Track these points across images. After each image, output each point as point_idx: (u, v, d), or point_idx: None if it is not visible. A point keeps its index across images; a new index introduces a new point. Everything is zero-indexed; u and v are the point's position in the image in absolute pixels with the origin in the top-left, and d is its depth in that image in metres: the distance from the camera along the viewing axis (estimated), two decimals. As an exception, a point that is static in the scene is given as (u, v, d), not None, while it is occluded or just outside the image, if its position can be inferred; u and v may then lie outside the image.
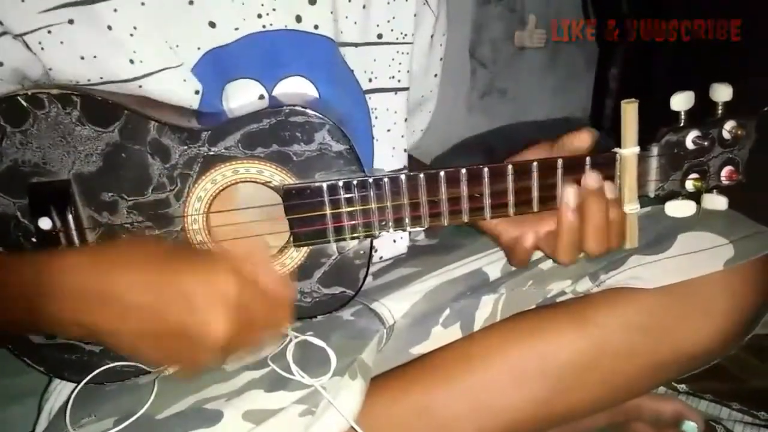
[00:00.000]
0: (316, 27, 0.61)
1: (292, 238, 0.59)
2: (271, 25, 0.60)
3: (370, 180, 0.57)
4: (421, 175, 0.58)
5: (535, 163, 0.58)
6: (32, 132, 0.54)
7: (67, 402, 0.59)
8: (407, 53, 0.68)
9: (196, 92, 0.59)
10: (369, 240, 0.60)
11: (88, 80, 0.56)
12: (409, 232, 0.75)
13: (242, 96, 0.61)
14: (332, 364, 0.59)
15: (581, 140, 0.60)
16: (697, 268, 0.62)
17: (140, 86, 0.57)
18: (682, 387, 0.84)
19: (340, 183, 0.57)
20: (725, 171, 0.60)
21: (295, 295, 0.61)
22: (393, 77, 0.68)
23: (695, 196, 0.61)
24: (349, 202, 0.58)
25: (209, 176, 0.57)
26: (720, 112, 0.58)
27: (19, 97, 0.53)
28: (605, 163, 0.58)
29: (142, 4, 0.55)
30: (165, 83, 0.58)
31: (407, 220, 0.59)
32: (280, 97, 0.62)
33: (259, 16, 0.59)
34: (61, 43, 0.55)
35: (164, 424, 0.55)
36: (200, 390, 0.58)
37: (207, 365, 0.55)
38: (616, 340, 0.63)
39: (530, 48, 1.59)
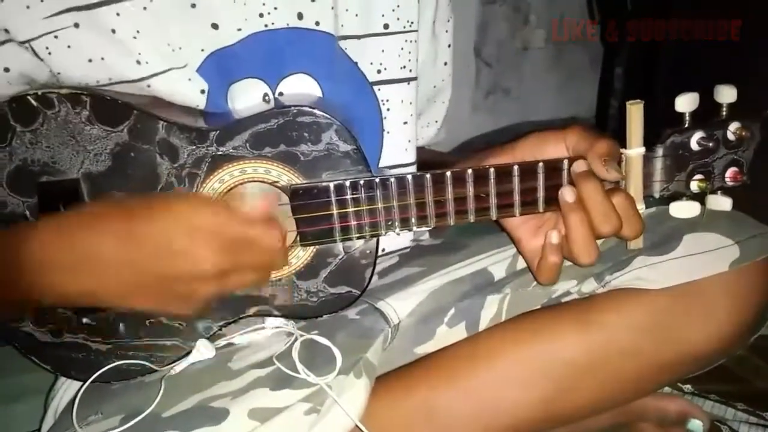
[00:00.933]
0: (317, 23, 0.62)
1: (298, 238, 0.59)
2: (273, 24, 0.60)
3: (377, 180, 0.58)
4: (428, 175, 0.58)
5: (540, 164, 0.58)
6: (42, 131, 0.54)
7: (73, 400, 0.60)
8: (415, 41, 0.67)
9: (202, 91, 0.59)
10: (375, 240, 0.61)
11: (98, 81, 0.57)
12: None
13: (247, 96, 0.62)
14: (338, 363, 0.59)
15: (609, 176, 0.57)
16: (702, 269, 0.62)
17: (148, 86, 0.58)
18: (687, 387, 0.84)
19: (347, 183, 0.58)
20: (730, 172, 0.60)
21: (273, 212, 0.59)
22: (404, 67, 0.68)
23: (700, 197, 0.61)
24: (356, 201, 0.58)
25: (217, 176, 0.57)
26: (724, 113, 0.58)
27: (29, 97, 0.53)
28: (617, 161, 0.58)
29: (144, 8, 0.55)
30: (172, 83, 0.58)
31: (413, 220, 0.59)
32: (286, 98, 0.62)
33: (261, 15, 0.59)
34: (69, 47, 0.55)
35: (170, 421, 0.56)
36: (206, 388, 0.58)
37: (204, 300, 0.55)
38: (622, 340, 0.63)
39: (533, 47, 1.59)
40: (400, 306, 0.68)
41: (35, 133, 0.54)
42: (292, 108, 0.56)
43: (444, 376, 0.65)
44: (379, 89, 0.67)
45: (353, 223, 0.59)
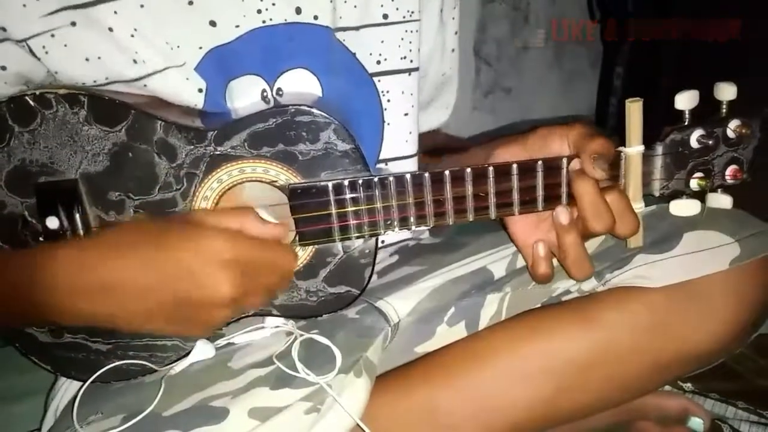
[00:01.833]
0: (315, 17, 0.61)
1: (297, 237, 0.59)
2: (270, 20, 0.60)
3: (376, 179, 0.58)
4: (426, 175, 0.58)
5: (539, 162, 0.58)
6: (40, 132, 0.54)
7: (73, 400, 0.60)
8: (416, 31, 0.67)
9: (200, 90, 0.59)
10: (374, 239, 0.61)
11: (94, 81, 0.57)
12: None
13: (245, 93, 0.61)
14: (337, 362, 0.59)
15: (595, 174, 0.57)
16: (702, 267, 0.62)
17: (145, 85, 0.57)
18: (688, 386, 0.84)
19: (346, 182, 0.57)
20: (730, 170, 0.60)
21: (290, 236, 0.60)
22: (404, 57, 0.67)
23: (700, 195, 0.61)
24: (355, 201, 0.58)
25: (215, 175, 0.57)
26: (724, 111, 0.58)
27: (27, 97, 0.53)
28: (610, 161, 0.58)
29: (141, 6, 0.55)
30: (169, 82, 0.58)
31: (412, 219, 0.59)
32: (285, 96, 0.62)
33: (259, 11, 0.59)
34: (65, 46, 0.55)
35: (170, 421, 0.56)
36: (206, 388, 0.59)
37: (220, 324, 0.57)
38: (622, 339, 0.63)
39: (533, 46, 1.59)
40: (399, 305, 0.68)
41: (33, 134, 0.54)
42: (290, 107, 0.56)
43: (444, 375, 0.65)
44: (379, 80, 0.67)
45: (352, 222, 0.59)
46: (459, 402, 0.63)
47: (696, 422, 0.75)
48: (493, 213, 0.60)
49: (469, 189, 0.58)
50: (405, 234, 0.76)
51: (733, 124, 0.58)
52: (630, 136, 0.57)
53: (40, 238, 0.56)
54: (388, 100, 0.68)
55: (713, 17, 1.16)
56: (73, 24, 0.54)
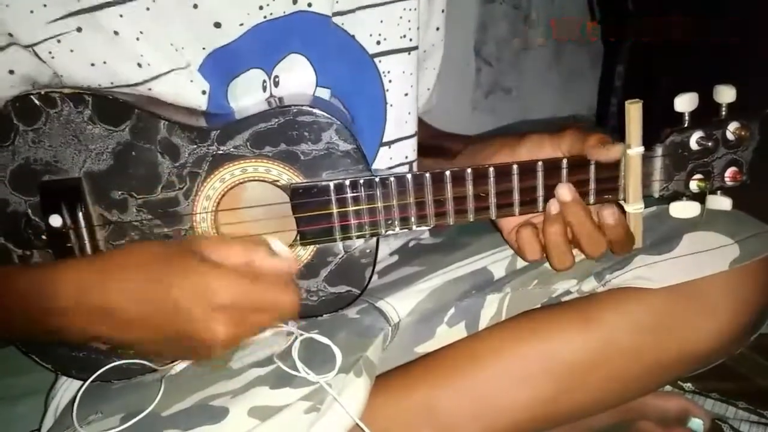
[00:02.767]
0: (309, 5, 0.60)
1: (299, 237, 0.59)
2: (271, 14, 0.59)
3: (377, 179, 0.58)
4: (427, 175, 0.58)
5: (540, 163, 0.59)
6: (44, 130, 0.54)
7: (73, 399, 0.60)
8: (414, 9, 0.66)
9: (203, 92, 0.59)
10: (375, 239, 0.61)
11: (99, 85, 0.57)
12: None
13: (248, 88, 0.61)
14: (338, 362, 0.59)
15: (610, 154, 0.58)
16: (702, 268, 0.62)
17: (150, 89, 0.57)
18: (688, 386, 0.84)
19: (347, 182, 0.58)
20: (729, 172, 0.60)
21: (298, 288, 0.60)
22: (404, 36, 0.66)
23: (699, 197, 0.61)
24: (356, 200, 0.58)
25: (218, 175, 0.57)
26: (724, 113, 0.58)
27: (32, 96, 0.53)
28: (610, 163, 0.59)
29: (147, 9, 0.55)
30: (173, 85, 0.58)
31: (413, 219, 0.59)
32: (288, 97, 0.62)
33: (261, 8, 0.59)
34: (71, 51, 0.55)
35: (170, 421, 0.56)
36: (206, 387, 0.59)
37: (215, 359, 0.57)
38: (622, 339, 0.63)
39: (533, 46, 1.59)
40: (400, 305, 0.68)
41: (38, 132, 0.54)
42: (293, 108, 0.57)
43: (444, 375, 0.65)
44: (379, 61, 0.66)
45: (353, 222, 0.59)
46: (459, 402, 0.64)
47: (696, 423, 0.75)
48: (493, 213, 0.60)
49: (470, 189, 0.59)
50: (406, 237, 0.76)
51: (733, 126, 0.58)
52: (630, 138, 0.57)
53: (43, 236, 0.56)
54: (390, 81, 0.67)
55: (713, 17, 1.16)
56: (79, 30, 0.54)
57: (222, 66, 0.59)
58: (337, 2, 0.62)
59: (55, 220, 0.55)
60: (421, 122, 0.74)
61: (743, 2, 1.15)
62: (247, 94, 0.61)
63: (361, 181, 0.58)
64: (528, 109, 1.63)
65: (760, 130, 0.59)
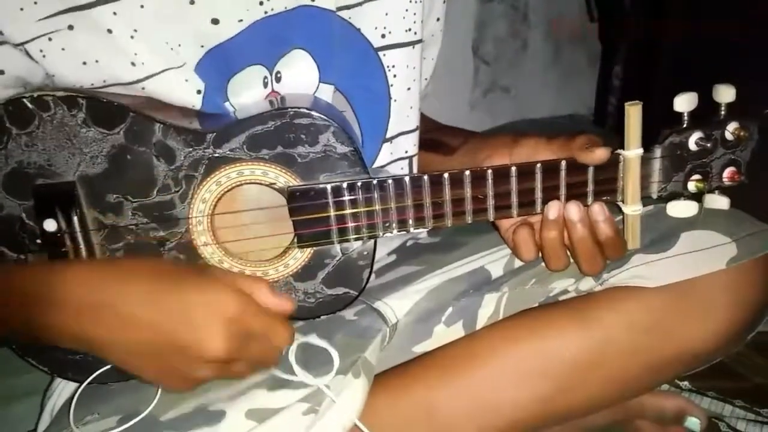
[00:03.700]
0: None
1: (296, 239, 0.59)
2: (272, 9, 0.58)
3: (374, 182, 0.58)
4: (425, 177, 0.58)
5: (538, 165, 0.58)
6: (38, 134, 0.54)
7: (70, 400, 0.60)
8: (420, 1, 0.65)
9: (198, 92, 0.58)
10: (372, 241, 0.61)
11: (92, 84, 0.56)
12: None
13: (248, 85, 0.60)
14: (335, 364, 0.59)
15: (594, 157, 0.58)
16: (700, 266, 0.62)
17: (143, 88, 0.57)
18: (685, 384, 0.84)
19: (344, 185, 0.57)
20: (727, 172, 0.60)
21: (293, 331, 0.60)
22: (409, 29, 0.65)
23: (697, 197, 0.61)
24: (353, 203, 0.58)
25: (214, 178, 0.57)
26: (723, 113, 0.58)
27: (24, 99, 0.53)
28: (608, 164, 0.58)
29: (142, 6, 0.54)
30: (167, 84, 0.57)
31: (411, 222, 0.59)
32: (289, 96, 0.62)
33: (261, 3, 0.58)
34: (63, 49, 0.54)
35: (167, 425, 0.56)
36: (203, 390, 0.58)
37: (199, 382, 0.56)
38: (619, 338, 0.63)
39: (531, 45, 1.59)
40: (397, 305, 0.68)
41: (31, 136, 0.54)
42: (290, 110, 0.56)
43: (442, 375, 0.65)
44: (384, 55, 0.65)
45: (350, 224, 0.59)
46: (457, 401, 0.64)
47: (693, 422, 0.75)
48: (491, 215, 0.60)
49: (468, 191, 0.58)
50: (404, 237, 0.76)
51: (732, 126, 0.58)
52: (629, 139, 0.57)
53: (38, 241, 0.56)
54: (394, 75, 0.66)
55: (712, 17, 1.16)
56: (71, 27, 0.53)
57: (220, 64, 0.59)
58: None
59: (50, 225, 0.55)
60: (420, 115, 0.73)
61: (743, 2, 1.15)
62: (248, 91, 0.61)
63: (359, 184, 0.58)
64: (526, 108, 1.63)
65: (759, 130, 0.59)
